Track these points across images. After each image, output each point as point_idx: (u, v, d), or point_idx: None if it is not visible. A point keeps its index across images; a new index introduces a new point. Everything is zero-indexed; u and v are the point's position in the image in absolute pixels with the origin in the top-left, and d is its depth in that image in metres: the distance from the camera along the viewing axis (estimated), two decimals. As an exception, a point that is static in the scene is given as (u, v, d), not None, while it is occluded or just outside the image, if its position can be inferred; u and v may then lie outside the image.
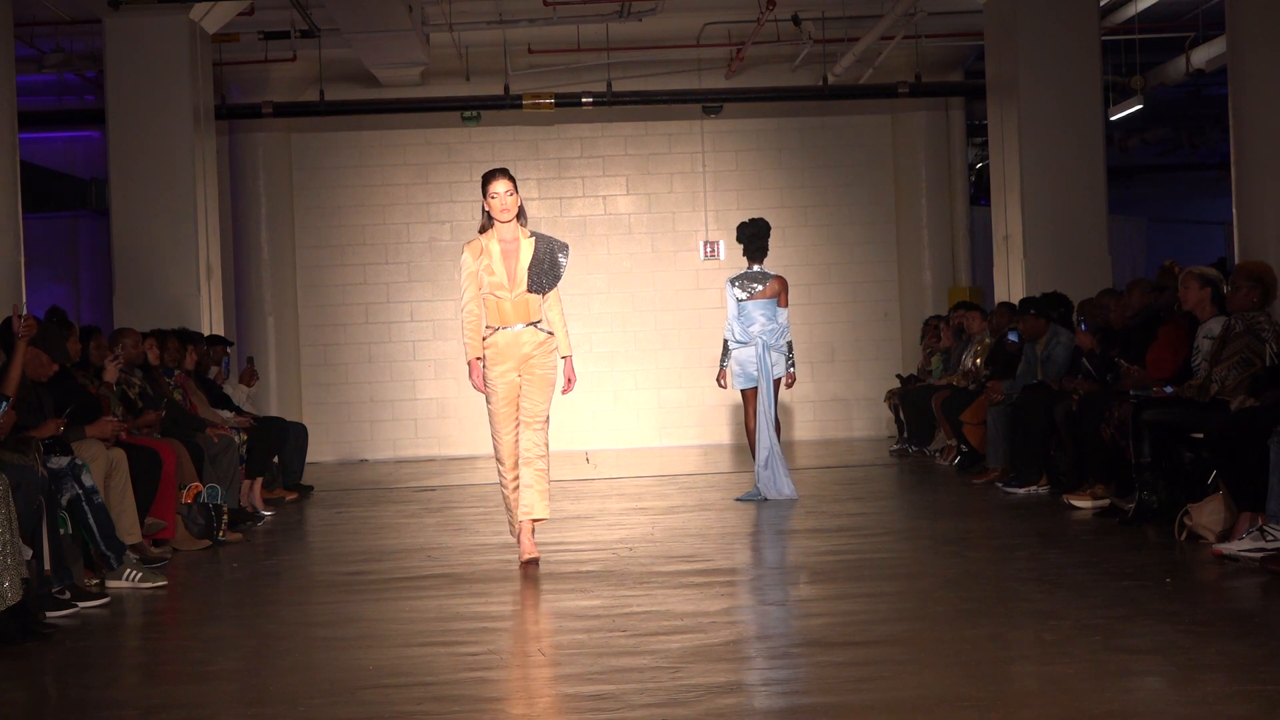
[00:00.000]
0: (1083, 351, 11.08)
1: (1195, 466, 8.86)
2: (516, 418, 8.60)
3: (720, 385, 12.23)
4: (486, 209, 8.63)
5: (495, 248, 8.60)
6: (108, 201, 14.99)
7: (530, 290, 8.58)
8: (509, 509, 8.76)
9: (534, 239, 8.65)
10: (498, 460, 8.75)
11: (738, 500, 11.74)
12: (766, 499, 11.56)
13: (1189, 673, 5.42)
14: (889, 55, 16.95)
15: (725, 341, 11.87)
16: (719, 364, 12.07)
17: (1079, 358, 11.25)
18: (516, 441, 8.62)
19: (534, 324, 8.63)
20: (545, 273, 8.61)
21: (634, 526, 10.31)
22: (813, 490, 12.38)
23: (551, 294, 8.69)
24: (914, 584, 7.74)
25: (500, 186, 8.58)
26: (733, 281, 11.84)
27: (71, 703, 5.92)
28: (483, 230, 8.69)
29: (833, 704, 5.18)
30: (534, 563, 8.51)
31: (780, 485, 11.59)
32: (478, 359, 8.65)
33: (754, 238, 11.82)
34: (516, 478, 8.60)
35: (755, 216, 12.27)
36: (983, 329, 14.12)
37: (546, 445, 8.68)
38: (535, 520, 8.65)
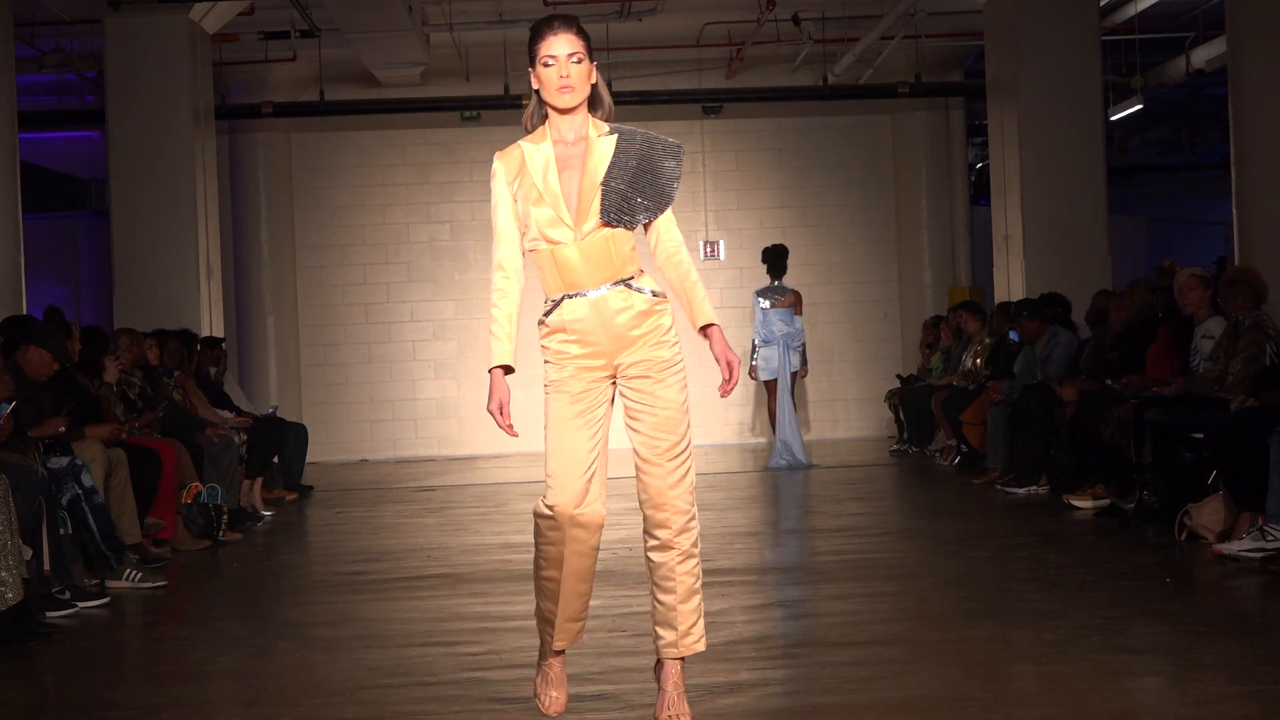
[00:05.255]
0: (1080, 356, 11.08)
1: (1195, 466, 8.87)
2: (598, 450, 4.99)
3: (752, 378, 14.79)
4: (536, 88, 4.82)
5: (544, 157, 4.83)
6: (108, 201, 14.98)
7: (609, 222, 4.82)
8: (544, 619, 4.99)
9: (615, 136, 4.86)
10: (543, 512, 4.94)
11: (765, 469, 14.25)
12: (790, 466, 14.11)
13: (1189, 673, 5.42)
14: (889, 55, 16.94)
15: (753, 341, 14.59)
16: (750, 360, 14.62)
17: (1078, 358, 11.25)
18: (587, 490, 4.98)
19: (626, 282, 4.94)
20: (637, 186, 4.82)
21: (634, 526, 10.24)
22: (813, 490, 12.41)
23: (661, 224, 4.93)
24: (914, 584, 7.74)
25: (560, 45, 4.75)
26: (759, 293, 14.63)
27: (71, 703, 5.92)
28: (530, 129, 4.91)
29: (833, 704, 5.18)
30: None
31: (798, 455, 14.27)
32: (502, 366, 4.88)
33: (776, 258, 14.61)
34: (595, 548, 5.02)
35: (777, 243, 15.03)
36: (980, 330, 14.11)
37: (696, 523, 5.01)
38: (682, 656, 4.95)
